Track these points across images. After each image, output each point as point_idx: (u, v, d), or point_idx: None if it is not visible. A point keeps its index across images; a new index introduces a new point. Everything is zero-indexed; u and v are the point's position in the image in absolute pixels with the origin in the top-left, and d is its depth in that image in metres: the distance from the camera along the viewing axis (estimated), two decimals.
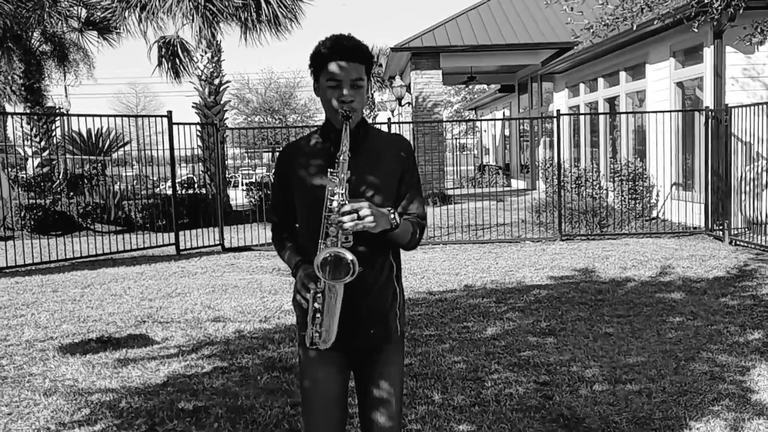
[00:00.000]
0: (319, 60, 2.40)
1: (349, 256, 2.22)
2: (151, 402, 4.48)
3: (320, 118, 50.73)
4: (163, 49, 17.40)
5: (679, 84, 12.47)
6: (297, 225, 2.60)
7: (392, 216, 2.34)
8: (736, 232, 10.50)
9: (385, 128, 12.77)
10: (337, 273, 2.24)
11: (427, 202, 17.06)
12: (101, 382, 4.90)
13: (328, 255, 2.23)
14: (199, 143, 17.21)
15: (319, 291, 2.31)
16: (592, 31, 8.12)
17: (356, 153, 2.40)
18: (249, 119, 50.55)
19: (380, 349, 2.50)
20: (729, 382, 4.58)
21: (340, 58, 2.35)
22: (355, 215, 2.23)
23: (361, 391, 2.55)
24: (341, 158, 2.27)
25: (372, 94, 33.00)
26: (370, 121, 32.77)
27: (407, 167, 2.50)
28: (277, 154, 2.62)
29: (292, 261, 2.51)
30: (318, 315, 2.33)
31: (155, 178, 18.18)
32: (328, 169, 2.30)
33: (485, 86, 30.25)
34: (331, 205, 2.27)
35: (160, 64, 17.53)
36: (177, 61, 17.52)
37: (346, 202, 2.25)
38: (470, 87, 39.93)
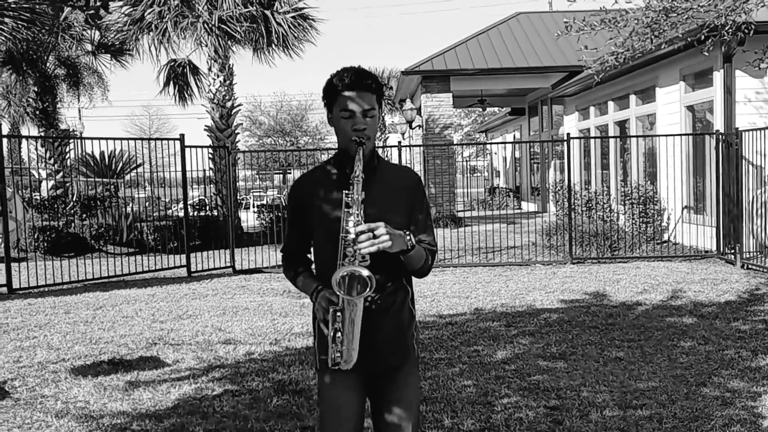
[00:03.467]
0: (332, 92, 2.49)
1: (366, 272, 2.28)
2: (162, 425, 4.50)
3: (331, 140, 50.96)
4: (172, 72, 17.57)
5: (690, 107, 12.49)
6: (310, 255, 2.66)
7: (408, 237, 2.42)
8: (748, 255, 10.46)
9: (395, 151, 12.83)
10: (353, 289, 2.32)
11: (438, 224, 17.07)
12: (112, 405, 4.92)
13: (345, 273, 2.31)
14: (211, 165, 17.34)
15: (338, 310, 2.37)
16: (603, 63, 8.17)
17: (369, 182, 2.46)
18: (261, 141, 50.82)
19: (398, 371, 2.56)
20: (740, 407, 4.55)
21: (353, 90, 2.44)
22: (370, 234, 2.30)
23: (378, 415, 2.59)
24: (356, 180, 2.36)
25: (383, 117, 33.18)
26: (380, 143, 32.88)
27: (417, 198, 2.59)
28: (290, 184, 2.69)
29: (310, 286, 2.57)
30: (339, 334, 2.39)
31: (167, 200, 18.29)
32: (344, 191, 2.38)
33: (496, 109, 30.36)
34: (347, 225, 2.35)
35: (167, 85, 17.68)
36: (184, 84, 17.68)
37: (362, 222, 2.33)
38: (481, 110, 40.14)
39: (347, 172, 2.48)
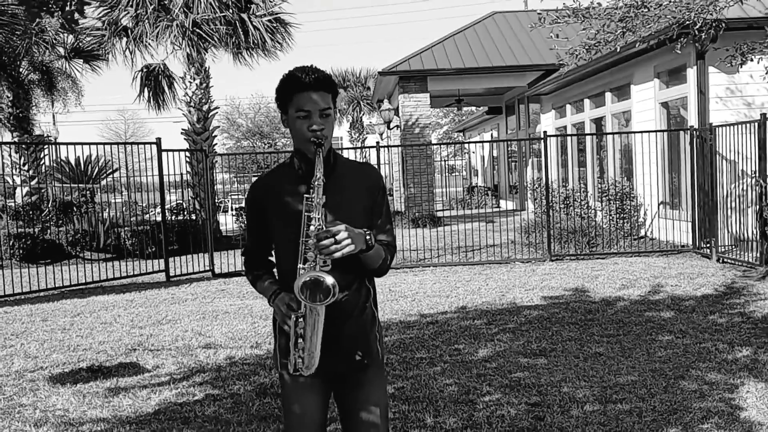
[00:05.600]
0: (286, 92, 2.45)
1: (329, 279, 2.25)
2: (143, 431, 4.47)
3: None
4: (146, 78, 17.44)
5: (664, 104, 12.63)
6: (271, 257, 2.64)
7: (368, 236, 2.39)
8: (723, 249, 10.59)
9: (374, 152, 12.83)
10: (317, 296, 2.28)
11: (417, 224, 17.11)
12: (92, 412, 4.88)
13: (308, 278, 2.26)
14: (188, 169, 17.23)
15: (300, 315, 2.34)
16: (576, 54, 8.24)
17: (327, 182, 2.43)
18: (239, 143, 50.62)
19: (362, 373, 2.53)
20: (718, 399, 4.61)
21: (308, 90, 2.40)
22: (333, 239, 2.27)
23: (346, 417, 2.57)
24: (316, 183, 2.32)
25: (361, 118, 33.13)
26: (359, 144, 32.81)
27: (376, 195, 2.55)
28: (249, 187, 2.66)
29: (268, 291, 2.54)
30: (300, 340, 2.36)
31: (144, 205, 18.16)
32: (304, 195, 2.35)
33: (473, 108, 30.49)
34: (308, 230, 2.31)
35: (141, 92, 17.55)
36: (159, 89, 17.56)
37: (323, 226, 2.30)
38: (458, 109, 40.26)
39: (303, 172, 2.46)
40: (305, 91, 2.40)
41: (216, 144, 18.73)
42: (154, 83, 17.49)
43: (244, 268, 2.72)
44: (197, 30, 15.94)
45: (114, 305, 9.09)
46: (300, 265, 2.32)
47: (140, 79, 17.41)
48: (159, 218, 13.10)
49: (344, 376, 2.54)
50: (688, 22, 8.65)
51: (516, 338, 6.41)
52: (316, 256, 2.29)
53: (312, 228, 2.30)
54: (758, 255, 9.39)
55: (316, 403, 2.53)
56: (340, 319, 2.46)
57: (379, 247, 2.49)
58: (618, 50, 9.46)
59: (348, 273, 2.45)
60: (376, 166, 12.33)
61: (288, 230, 2.44)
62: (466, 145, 34.87)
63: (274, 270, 2.64)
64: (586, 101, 16.14)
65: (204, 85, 17.49)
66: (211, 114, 17.75)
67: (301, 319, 2.35)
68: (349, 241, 2.29)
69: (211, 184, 13.83)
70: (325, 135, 2.42)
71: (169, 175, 11.89)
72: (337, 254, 2.28)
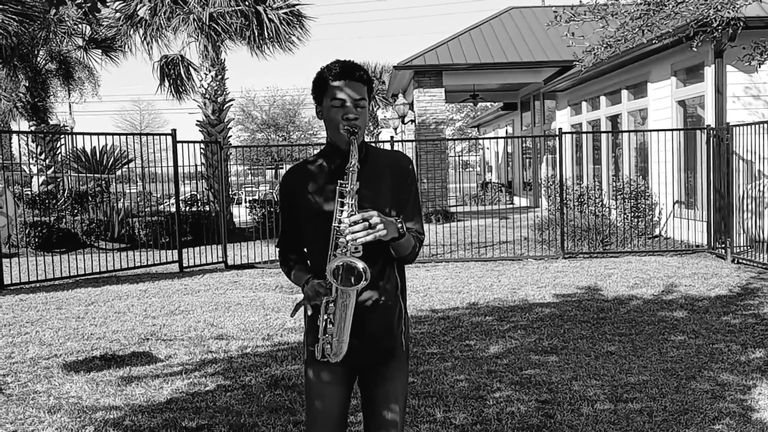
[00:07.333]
0: (323, 83, 2.49)
1: (361, 264, 2.27)
2: (155, 420, 4.50)
3: (323, 135, 50.86)
4: (166, 69, 17.53)
5: (681, 102, 12.54)
6: (305, 248, 2.65)
7: (400, 224, 2.41)
8: (738, 250, 10.52)
9: (387, 146, 12.84)
10: (348, 281, 2.30)
11: (430, 219, 17.10)
12: (105, 400, 4.92)
13: (340, 263, 2.28)
14: (203, 161, 17.29)
15: (331, 300, 2.35)
16: (593, 53, 8.18)
17: (359, 172, 2.44)
18: (253, 136, 50.74)
19: (386, 365, 2.55)
20: (730, 400, 4.58)
21: (343, 79, 2.44)
22: (366, 224, 2.28)
23: (367, 408, 2.60)
24: (350, 170, 2.34)
25: (375, 112, 33.14)
26: (372, 138, 32.77)
27: (407, 184, 2.56)
28: (281, 177, 2.68)
29: (301, 278, 2.55)
30: (330, 326, 2.37)
31: (159, 196, 18.25)
32: (338, 180, 2.37)
33: (488, 104, 30.39)
34: (341, 215, 2.33)
35: (162, 83, 17.65)
36: (179, 80, 17.65)
37: (355, 212, 2.31)
38: (473, 105, 40.14)
39: (335, 164, 2.48)
40: (341, 80, 2.44)
41: (231, 136, 18.79)
42: (174, 74, 17.57)
43: (279, 259, 2.73)
44: (213, 23, 15.98)
45: (128, 295, 9.16)
46: (331, 252, 2.34)
47: (160, 69, 17.50)
48: (173, 209, 13.17)
49: (369, 368, 2.55)
50: (706, 20, 8.58)
51: (527, 335, 6.40)
52: (348, 242, 2.29)
53: (344, 213, 2.32)
54: None
55: (339, 397, 2.54)
56: (368, 311, 2.46)
57: (409, 235, 2.50)
58: (634, 45, 9.40)
59: (378, 262, 2.46)
60: None
61: (317, 220, 2.47)
62: (481, 141, 34.77)
63: (308, 261, 2.65)
64: (602, 98, 16.05)
65: (219, 77, 17.54)
66: (226, 106, 17.81)
67: (331, 304, 2.35)
68: (382, 225, 2.30)
69: (225, 176, 13.86)
70: (359, 125, 2.44)
71: (183, 166, 11.95)
72: (369, 237, 2.28)
